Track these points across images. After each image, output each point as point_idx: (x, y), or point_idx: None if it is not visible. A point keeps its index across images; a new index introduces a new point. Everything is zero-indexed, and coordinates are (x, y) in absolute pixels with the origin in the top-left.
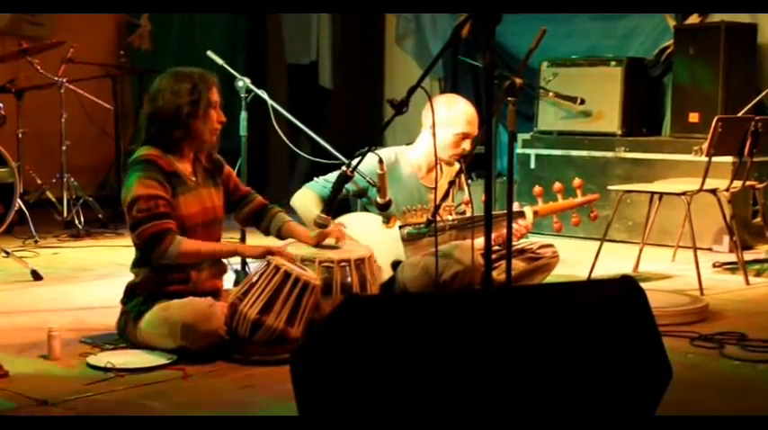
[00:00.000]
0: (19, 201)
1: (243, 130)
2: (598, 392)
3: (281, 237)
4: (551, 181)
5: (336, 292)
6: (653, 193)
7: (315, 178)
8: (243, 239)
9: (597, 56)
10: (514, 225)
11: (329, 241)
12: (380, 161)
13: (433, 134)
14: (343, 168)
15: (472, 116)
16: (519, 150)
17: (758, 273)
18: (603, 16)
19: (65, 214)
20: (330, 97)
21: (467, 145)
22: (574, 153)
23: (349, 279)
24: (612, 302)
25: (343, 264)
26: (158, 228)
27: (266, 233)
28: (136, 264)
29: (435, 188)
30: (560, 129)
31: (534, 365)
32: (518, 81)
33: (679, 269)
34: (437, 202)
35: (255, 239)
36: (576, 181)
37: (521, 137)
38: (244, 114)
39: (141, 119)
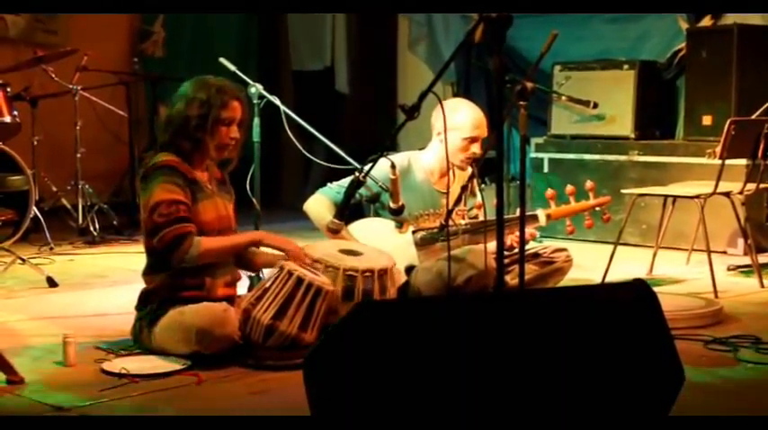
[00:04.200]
0: (34, 208)
1: (256, 136)
2: (611, 396)
3: (244, 264)
4: (565, 185)
5: (358, 300)
6: (666, 197)
7: (328, 184)
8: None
9: (609, 59)
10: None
11: (350, 246)
12: (393, 166)
13: (445, 139)
14: (356, 174)
15: (477, 120)
16: (532, 154)
17: None
18: (616, 19)
19: (80, 221)
20: (344, 103)
21: (476, 148)
22: (587, 157)
23: (371, 287)
24: (625, 306)
25: (367, 274)
26: (179, 232)
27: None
28: (148, 271)
29: (447, 193)
30: (573, 132)
31: (547, 369)
32: (529, 85)
33: (693, 272)
34: (450, 207)
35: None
36: (588, 183)
37: (534, 141)
38: (257, 120)
39: (156, 123)
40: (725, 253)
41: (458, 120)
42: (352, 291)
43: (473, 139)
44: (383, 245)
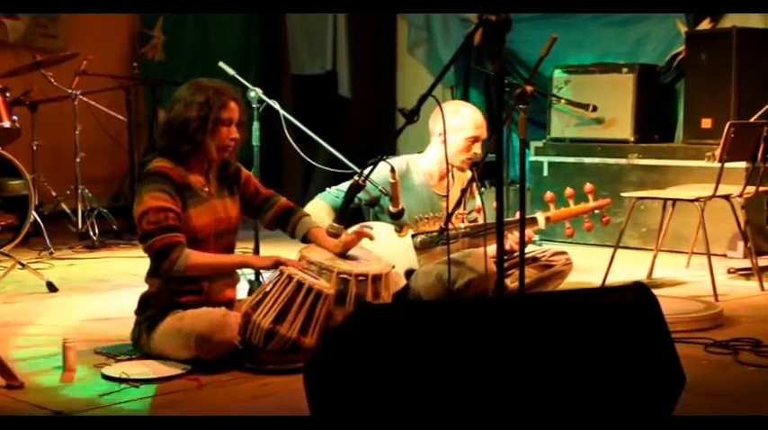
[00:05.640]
0: (34, 212)
1: (255, 140)
2: (611, 400)
3: (306, 242)
4: (564, 188)
5: (350, 304)
6: (666, 200)
7: (327, 188)
8: (256, 249)
9: (609, 63)
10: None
11: (351, 251)
12: (392, 170)
13: (444, 141)
14: (355, 178)
15: (479, 119)
16: (532, 158)
17: None
18: (615, 23)
19: (79, 225)
20: (344, 107)
21: (477, 148)
22: (586, 160)
23: (364, 292)
24: (625, 309)
25: (360, 278)
26: (167, 241)
27: (293, 237)
28: (150, 274)
29: (447, 196)
30: (573, 136)
31: (547, 373)
32: (529, 88)
33: (693, 275)
34: (449, 210)
35: (271, 248)
36: (588, 186)
37: (533, 144)
38: (256, 125)
39: (156, 128)
40: (725, 256)
41: (459, 121)
42: (345, 294)
43: (475, 139)
44: (383, 248)
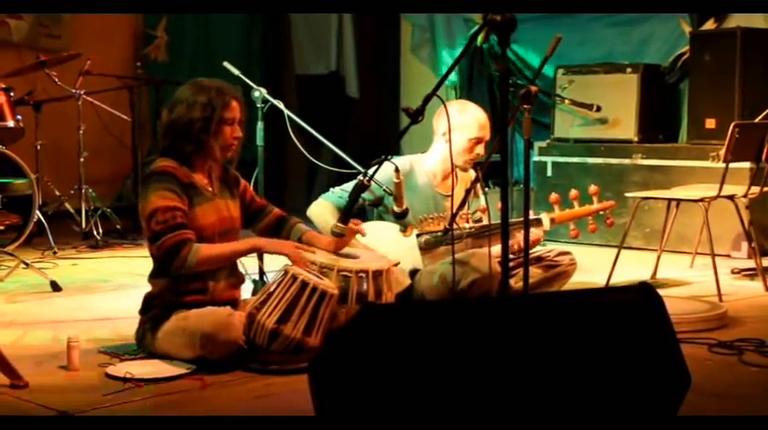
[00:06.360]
0: (38, 212)
1: (260, 140)
2: (616, 400)
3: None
4: (568, 188)
5: (352, 302)
6: (670, 200)
7: (331, 189)
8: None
9: (613, 63)
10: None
11: (349, 250)
12: (396, 170)
13: (449, 140)
14: (360, 178)
15: (484, 120)
16: (535, 158)
17: None
18: (619, 23)
19: (83, 225)
20: (349, 106)
21: (480, 149)
22: (590, 160)
23: (365, 289)
24: (630, 309)
25: (361, 274)
26: (177, 239)
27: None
28: (154, 275)
29: (452, 196)
30: (577, 136)
31: (552, 373)
32: (533, 89)
33: (697, 275)
34: (454, 210)
35: None
36: (593, 188)
37: (537, 145)
38: (260, 124)
39: (159, 128)
40: (729, 256)
41: (464, 120)
42: (346, 292)
43: (478, 140)
44: (387, 248)
